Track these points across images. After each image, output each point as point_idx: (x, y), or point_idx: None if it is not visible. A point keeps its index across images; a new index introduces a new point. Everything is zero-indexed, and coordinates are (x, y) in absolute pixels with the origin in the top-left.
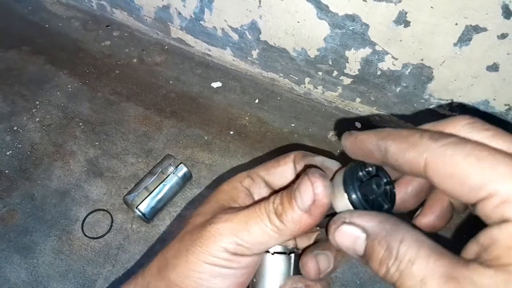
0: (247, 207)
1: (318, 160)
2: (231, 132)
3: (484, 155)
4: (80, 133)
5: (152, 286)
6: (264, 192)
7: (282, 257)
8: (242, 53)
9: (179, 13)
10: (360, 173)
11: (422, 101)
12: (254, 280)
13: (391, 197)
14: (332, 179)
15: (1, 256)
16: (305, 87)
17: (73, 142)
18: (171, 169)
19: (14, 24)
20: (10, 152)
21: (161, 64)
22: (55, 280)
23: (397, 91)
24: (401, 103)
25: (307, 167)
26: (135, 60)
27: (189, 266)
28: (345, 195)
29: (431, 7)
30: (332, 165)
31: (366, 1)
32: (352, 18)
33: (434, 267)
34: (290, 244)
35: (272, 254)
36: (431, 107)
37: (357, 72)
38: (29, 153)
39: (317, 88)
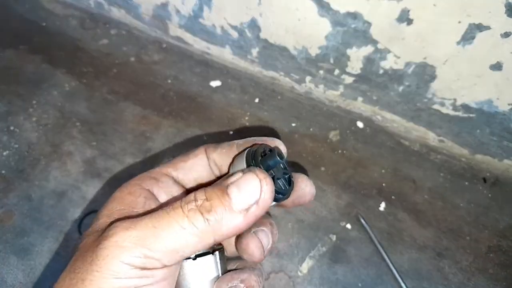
0: (153, 210)
1: (239, 142)
2: (231, 132)
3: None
4: (77, 133)
5: None
6: (175, 191)
7: (206, 259)
8: (242, 51)
9: (178, 11)
10: (260, 153)
11: (425, 100)
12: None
13: (288, 179)
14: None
15: None
16: (306, 86)
17: (70, 142)
18: None
19: (11, 22)
20: (7, 152)
21: (160, 63)
22: (52, 282)
23: (400, 90)
24: (404, 103)
25: (235, 158)
26: (133, 59)
27: None
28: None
29: (434, 5)
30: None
31: None
32: (354, 15)
33: None
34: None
35: (194, 259)
36: (433, 106)
37: (359, 71)
38: (26, 153)
39: (318, 87)
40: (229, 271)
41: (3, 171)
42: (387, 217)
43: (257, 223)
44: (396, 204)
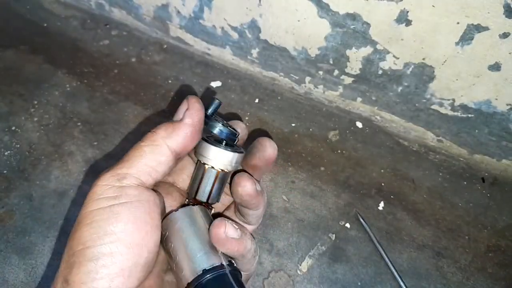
0: None
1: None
2: None
3: None
4: (78, 133)
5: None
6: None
7: (187, 210)
8: (242, 52)
9: (178, 12)
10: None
11: (424, 100)
12: (171, 244)
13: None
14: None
15: None
16: (305, 86)
17: (71, 142)
18: None
19: (12, 23)
20: (8, 152)
21: (160, 63)
22: (53, 281)
23: (399, 90)
24: (403, 103)
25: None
26: (133, 60)
27: (81, 223)
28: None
29: (433, 5)
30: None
31: (367, 0)
32: (353, 17)
33: None
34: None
35: (176, 210)
36: (432, 106)
37: (358, 72)
38: (27, 153)
39: (317, 88)
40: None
41: (4, 171)
42: (386, 216)
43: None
44: (395, 204)
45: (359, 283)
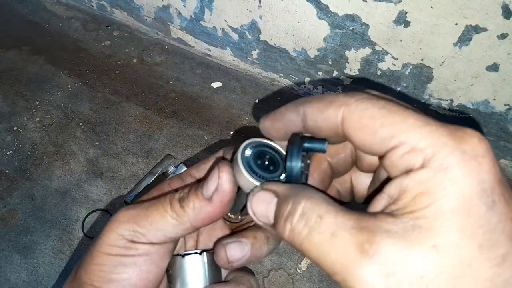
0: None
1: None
2: (231, 132)
3: (395, 109)
4: (80, 133)
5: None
6: None
7: (193, 258)
8: (242, 53)
9: (179, 13)
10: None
11: (422, 101)
12: (171, 286)
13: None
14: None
15: (2, 256)
16: (305, 87)
17: (73, 142)
18: (172, 169)
19: (14, 24)
20: (11, 152)
21: (161, 64)
22: (55, 280)
23: (397, 91)
24: None
25: (219, 159)
26: (135, 60)
27: (92, 260)
28: (248, 177)
29: (431, 7)
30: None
31: (366, 1)
32: (352, 18)
33: (344, 221)
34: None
35: (183, 256)
36: (430, 107)
37: (357, 72)
38: (29, 153)
39: (317, 88)
40: (222, 282)
41: (6, 171)
42: None
43: (238, 235)
44: None
45: None
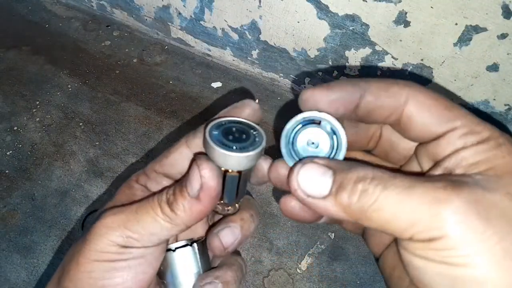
0: (142, 200)
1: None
2: None
3: (448, 99)
4: (80, 133)
5: None
6: (167, 183)
7: (185, 250)
8: (242, 53)
9: (179, 13)
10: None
11: None
12: (165, 281)
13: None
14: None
15: (1, 256)
16: (305, 87)
17: (73, 142)
18: None
19: (14, 24)
20: (11, 152)
21: (161, 64)
22: None
23: None
24: None
25: (197, 155)
26: (135, 60)
27: (79, 268)
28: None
29: (431, 7)
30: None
31: (366, 1)
32: (352, 18)
33: (416, 178)
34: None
35: (174, 250)
36: None
37: (357, 72)
38: (29, 153)
39: None
40: (213, 268)
41: (6, 171)
42: None
43: (227, 220)
44: None
45: (358, 282)
